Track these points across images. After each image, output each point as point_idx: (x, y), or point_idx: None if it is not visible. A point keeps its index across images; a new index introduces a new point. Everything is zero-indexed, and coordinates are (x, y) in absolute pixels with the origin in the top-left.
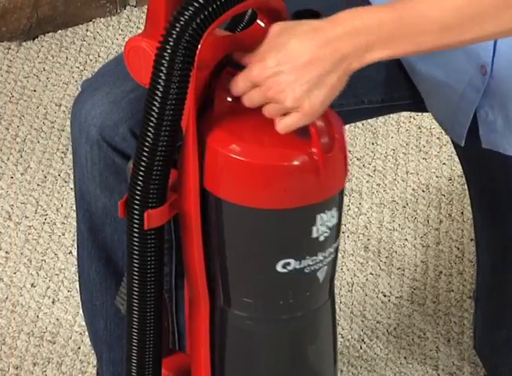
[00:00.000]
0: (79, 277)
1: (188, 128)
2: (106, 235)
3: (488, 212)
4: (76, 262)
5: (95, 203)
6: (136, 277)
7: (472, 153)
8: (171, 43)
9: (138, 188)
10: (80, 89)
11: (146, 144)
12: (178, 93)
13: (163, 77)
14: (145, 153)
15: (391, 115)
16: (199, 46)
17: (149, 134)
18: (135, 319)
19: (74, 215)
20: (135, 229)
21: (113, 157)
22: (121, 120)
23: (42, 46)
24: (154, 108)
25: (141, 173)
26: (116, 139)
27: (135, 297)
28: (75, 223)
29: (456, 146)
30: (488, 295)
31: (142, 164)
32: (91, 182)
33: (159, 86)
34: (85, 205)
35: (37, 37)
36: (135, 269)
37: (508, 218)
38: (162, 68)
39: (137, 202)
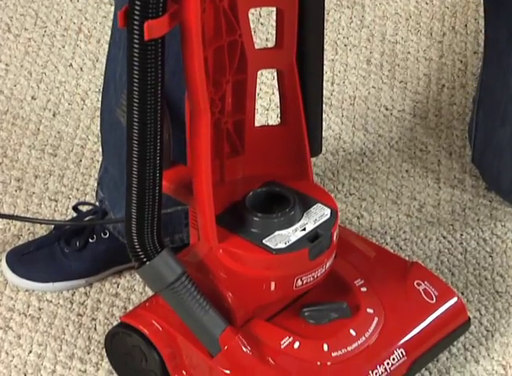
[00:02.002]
0: (106, 80)
1: None
2: None
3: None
4: (75, 75)
5: None
6: (136, 90)
7: None
8: None
9: None
10: None
11: None
12: None
13: None
14: None
15: None
16: None
17: None
18: (135, 132)
19: (74, 27)
20: (135, 41)
21: None
22: None
23: None
24: None
25: None
26: None
27: (134, 109)
28: (75, 36)
29: None
30: (492, 91)
31: None
32: None
33: None
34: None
35: None
36: (135, 81)
37: None
38: None
39: (137, 12)
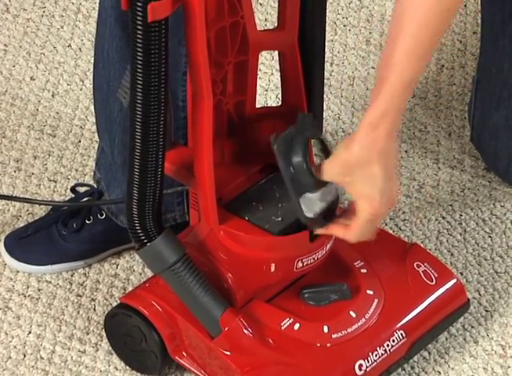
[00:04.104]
0: (95, 59)
1: None
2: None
3: None
4: (74, 55)
5: None
6: (140, 72)
7: None
8: None
9: None
10: None
11: None
12: None
13: None
14: None
15: None
16: None
17: None
18: (137, 113)
19: (73, 7)
20: (139, 23)
21: None
22: None
23: None
24: None
25: None
26: None
27: (138, 90)
28: (74, 16)
29: None
30: (489, 74)
31: None
32: None
33: None
34: None
35: None
36: (139, 62)
37: None
38: None
39: None
